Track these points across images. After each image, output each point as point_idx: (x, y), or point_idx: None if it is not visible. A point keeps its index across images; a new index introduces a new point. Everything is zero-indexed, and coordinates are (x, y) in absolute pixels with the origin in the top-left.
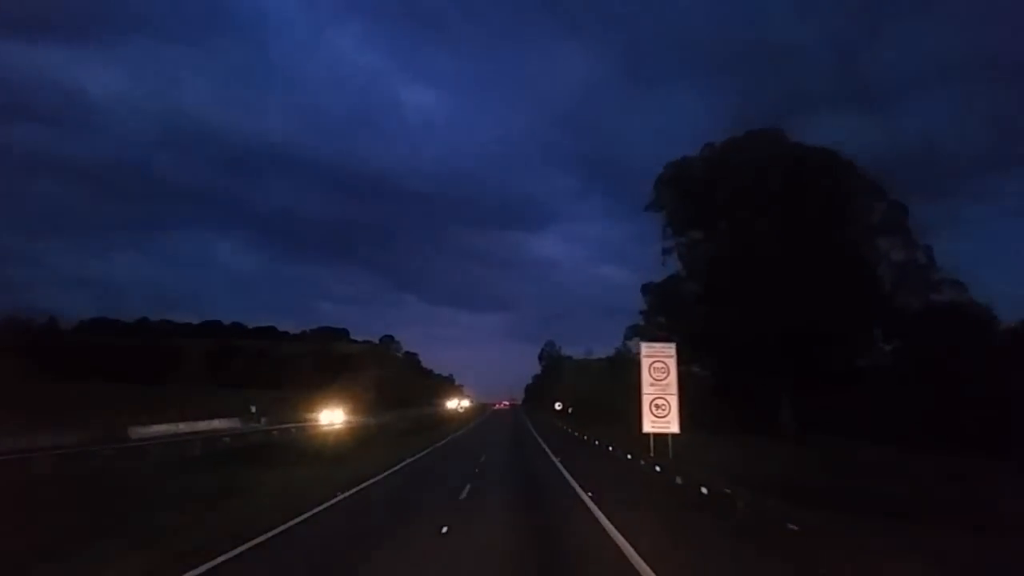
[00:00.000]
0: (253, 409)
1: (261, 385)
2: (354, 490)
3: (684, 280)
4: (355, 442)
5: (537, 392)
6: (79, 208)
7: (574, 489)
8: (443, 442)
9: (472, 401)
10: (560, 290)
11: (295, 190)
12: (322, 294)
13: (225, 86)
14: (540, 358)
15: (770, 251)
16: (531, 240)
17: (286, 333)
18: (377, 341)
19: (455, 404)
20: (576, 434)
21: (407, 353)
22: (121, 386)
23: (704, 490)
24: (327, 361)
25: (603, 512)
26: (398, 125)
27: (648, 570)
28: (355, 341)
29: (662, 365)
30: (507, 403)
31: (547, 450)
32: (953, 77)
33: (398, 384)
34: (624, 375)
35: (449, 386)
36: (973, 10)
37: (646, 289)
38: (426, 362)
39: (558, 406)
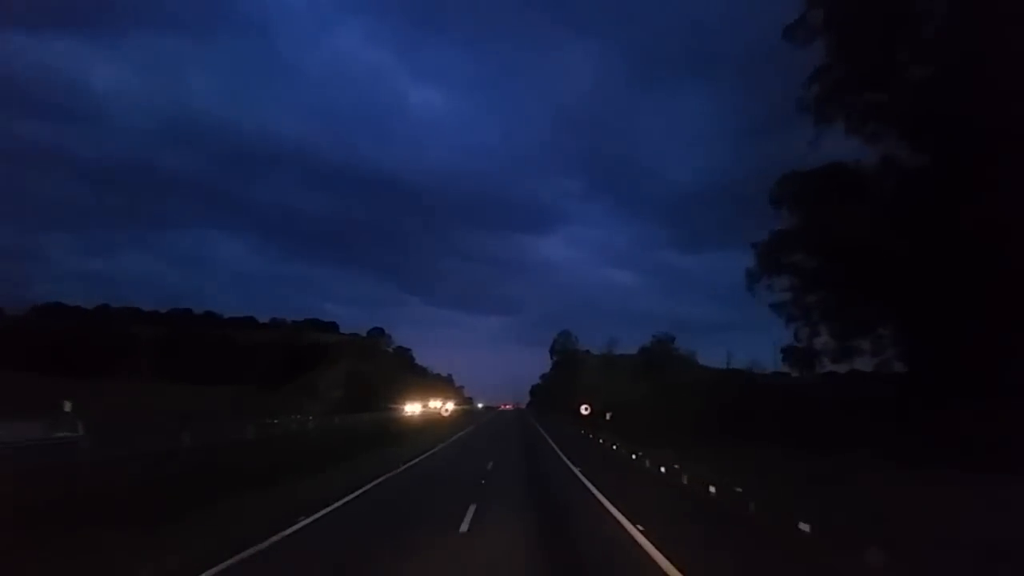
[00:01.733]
0: (67, 408)
1: (213, 380)
2: None
3: (858, 175)
4: None
5: (547, 392)
6: (74, 200)
7: None
8: None
9: (470, 404)
10: (565, 294)
11: (297, 187)
12: (322, 292)
13: (229, 82)
14: (552, 352)
15: None
16: (536, 242)
17: (265, 324)
18: (365, 334)
19: (411, 410)
20: (740, 495)
21: (399, 348)
22: (37, 376)
23: None
24: (299, 353)
25: None
26: (403, 124)
27: None
28: (342, 334)
29: None
30: (510, 405)
31: None
32: None
33: (371, 379)
34: (679, 371)
35: (446, 386)
36: None
37: (783, 189)
38: (424, 361)
39: (585, 410)
